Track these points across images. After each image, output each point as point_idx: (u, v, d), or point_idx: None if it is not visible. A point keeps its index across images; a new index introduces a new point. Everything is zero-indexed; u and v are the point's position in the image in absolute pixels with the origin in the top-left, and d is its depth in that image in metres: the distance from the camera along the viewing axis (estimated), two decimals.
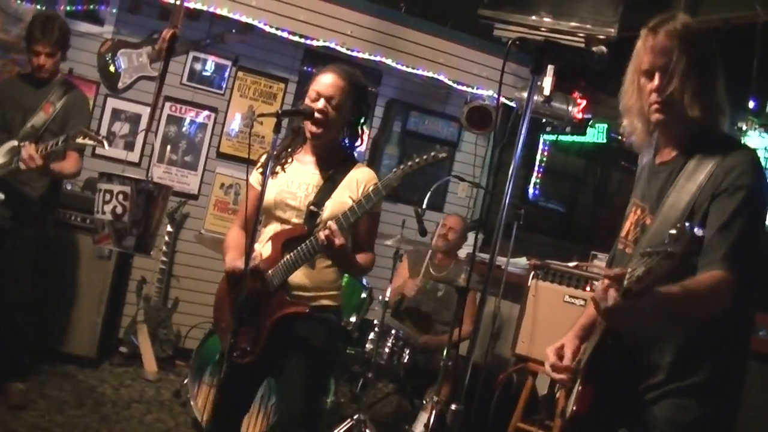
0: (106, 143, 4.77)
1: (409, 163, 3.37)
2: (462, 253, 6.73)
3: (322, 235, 3.29)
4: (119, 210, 4.87)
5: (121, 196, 4.90)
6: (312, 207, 3.49)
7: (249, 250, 3.30)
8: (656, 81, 2.48)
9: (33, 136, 4.96)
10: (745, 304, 2.35)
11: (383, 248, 6.12)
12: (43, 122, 5.04)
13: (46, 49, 5.01)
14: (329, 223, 3.33)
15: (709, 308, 2.29)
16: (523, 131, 1.91)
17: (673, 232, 1.92)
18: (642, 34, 2.57)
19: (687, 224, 1.91)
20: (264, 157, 3.65)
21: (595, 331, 2.58)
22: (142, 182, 5.08)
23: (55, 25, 5.04)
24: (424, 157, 3.41)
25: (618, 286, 2.12)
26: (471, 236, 6.82)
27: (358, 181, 3.59)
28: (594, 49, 2.21)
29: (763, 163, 5.90)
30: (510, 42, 2.28)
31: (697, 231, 1.92)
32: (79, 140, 4.67)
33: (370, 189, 3.40)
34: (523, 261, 6.41)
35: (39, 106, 5.07)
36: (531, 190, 7.90)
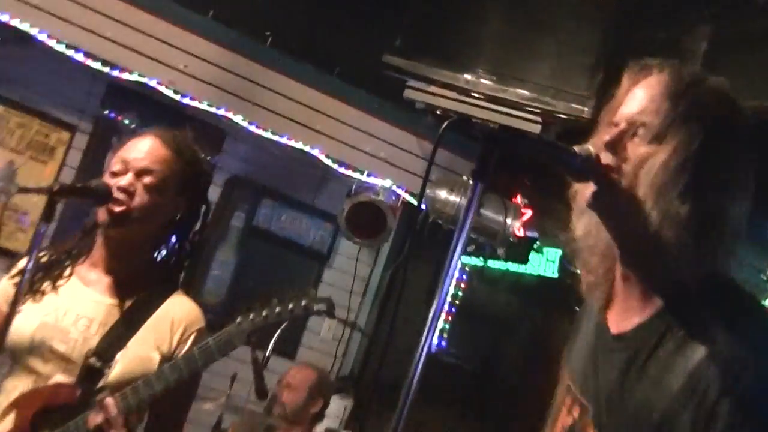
0: None
1: (264, 314, 3.01)
2: (321, 429, 6.27)
3: (91, 422, 2.93)
4: None
5: None
6: (92, 359, 3.07)
7: None
8: (613, 132, 2.06)
9: None
10: None
11: (199, 414, 5.66)
12: None
13: None
14: (106, 400, 2.89)
15: None
16: (456, 256, 1.71)
17: None
18: (626, 75, 2.14)
19: None
20: (23, 261, 3.14)
21: None
22: None
23: None
24: (290, 307, 3.02)
25: None
26: (335, 402, 6.68)
27: (174, 321, 3.20)
28: (577, 148, 1.91)
29: None
30: (446, 123, 1.94)
31: None
32: None
33: (195, 350, 2.98)
34: None
35: None
36: (435, 340, 7.84)
